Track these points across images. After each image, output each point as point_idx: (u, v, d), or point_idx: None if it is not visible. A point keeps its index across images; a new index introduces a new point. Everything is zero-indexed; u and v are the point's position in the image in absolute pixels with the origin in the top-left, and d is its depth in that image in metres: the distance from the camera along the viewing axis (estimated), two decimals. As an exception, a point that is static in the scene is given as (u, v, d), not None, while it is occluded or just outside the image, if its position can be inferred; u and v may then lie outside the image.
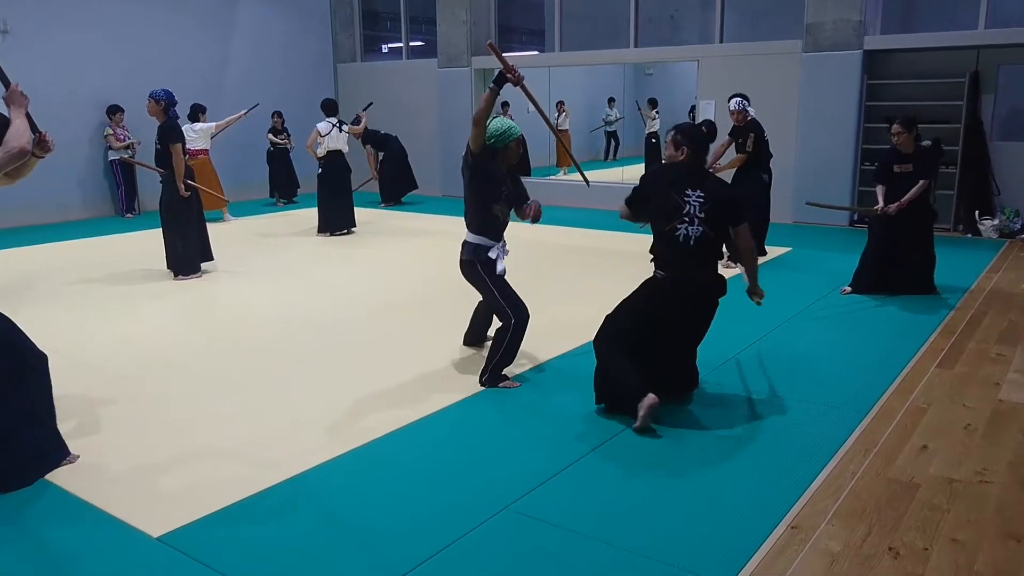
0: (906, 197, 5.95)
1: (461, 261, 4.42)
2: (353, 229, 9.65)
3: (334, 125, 9.42)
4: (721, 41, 10.63)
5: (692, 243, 3.69)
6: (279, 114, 12.21)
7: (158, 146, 7.00)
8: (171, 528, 2.93)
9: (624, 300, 4.02)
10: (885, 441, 3.64)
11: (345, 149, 9.57)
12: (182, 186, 6.95)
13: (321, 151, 9.42)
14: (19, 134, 3.13)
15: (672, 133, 3.89)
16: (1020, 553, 2.73)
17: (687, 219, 3.68)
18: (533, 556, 2.77)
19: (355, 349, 5.12)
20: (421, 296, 6.53)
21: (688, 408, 4.07)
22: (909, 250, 6.15)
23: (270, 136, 12.12)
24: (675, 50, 11.83)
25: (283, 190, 12.41)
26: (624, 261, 7.66)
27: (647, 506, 3.09)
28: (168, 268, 7.25)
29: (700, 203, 3.69)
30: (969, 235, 9.10)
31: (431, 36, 13.25)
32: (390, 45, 15.06)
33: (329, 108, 9.63)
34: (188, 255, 7.19)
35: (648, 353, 3.85)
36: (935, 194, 6.47)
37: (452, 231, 9.71)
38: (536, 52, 14.60)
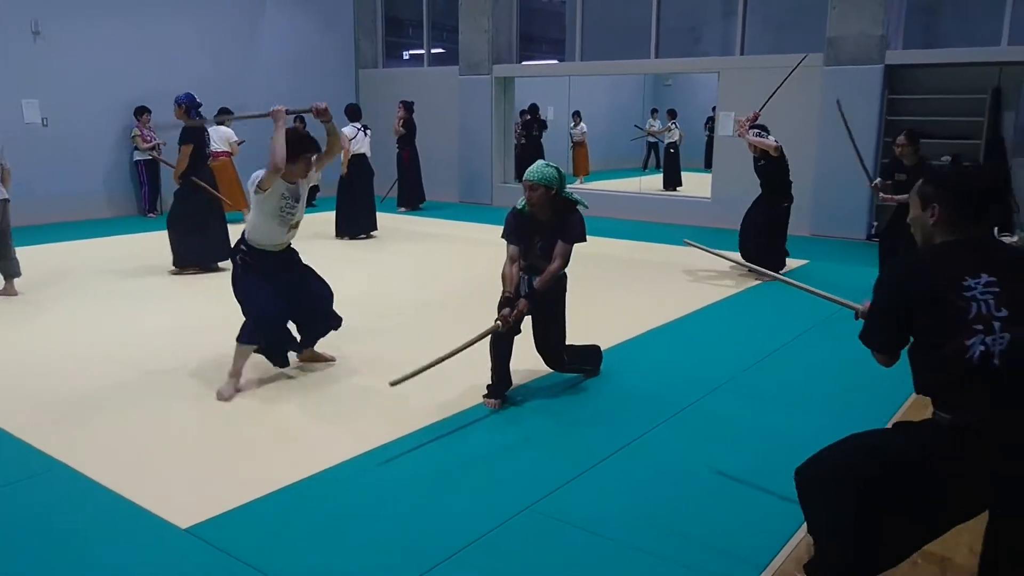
0: (898, 197, 6.19)
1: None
2: (374, 233, 9.75)
3: (359, 129, 9.58)
4: (742, 53, 10.66)
5: (997, 362, 2.03)
6: (301, 119, 12.32)
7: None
8: (200, 520, 3.00)
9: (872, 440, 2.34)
10: (904, 452, 3.65)
11: (369, 153, 9.72)
12: (176, 178, 7.37)
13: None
14: (274, 151, 4.08)
15: (919, 186, 2.29)
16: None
17: (980, 327, 2.04)
18: (553, 556, 2.81)
19: (377, 349, 5.18)
20: (442, 300, 6.59)
21: (708, 413, 4.10)
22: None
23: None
24: (696, 61, 11.88)
25: None
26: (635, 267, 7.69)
27: (668, 509, 3.13)
28: (175, 265, 7.49)
29: (994, 295, 2.07)
30: (988, 251, 9.06)
31: (452, 44, 13.37)
32: (411, 52, 15.19)
33: (353, 113, 9.80)
34: (191, 250, 7.44)
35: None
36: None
37: (472, 237, 9.83)
38: (556, 61, 14.70)
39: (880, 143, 9.55)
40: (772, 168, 7.27)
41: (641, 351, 5.22)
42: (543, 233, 4.13)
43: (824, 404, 4.28)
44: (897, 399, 4.34)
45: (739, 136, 7.51)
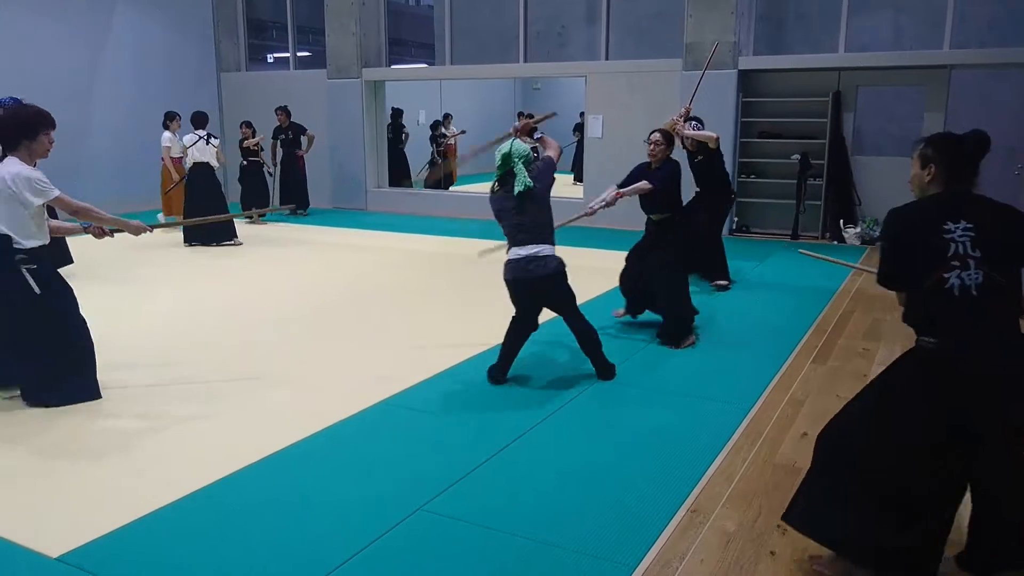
0: (626, 190, 5.58)
1: (548, 276, 4.48)
2: (236, 240, 9.42)
3: (201, 137, 9.42)
4: (607, 58, 11.03)
5: (975, 293, 2.43)
6: (248, 124, 11.51)
7: None
8: (72, 547, 2.83)
9: (867, 401, 2.77)
10: (770, 430, 3.92)
11: (214, 163, 9.53)
12: None
13: (188, 163, 9.51)
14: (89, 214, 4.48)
15: (920, 146, 2.68)
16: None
17: (956, 263, 2.44)
18: (448, 552, 2.84)
19: (250, 360, 5.02)
20: (319, 306, 6.46)
21: (585, 407, 4.24)
22: (657, 268, 5.46)
23: (248, 144, 11.32)
24: (563, 66, 12.18)
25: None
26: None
27: (556, 500, 3.21)
28: None
29: (970, 238, 2.47)
30: (835, 242, 9.80)
31: (319, 47, 13.09)
32: (276, 55, 14.76)
33: (198, 120, 9.57)
34: None
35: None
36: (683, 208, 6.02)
37: (348, 242, 9.67)
38: (425, 65, 14.70)
39: (737, 144, 10.13)
40: (712, 162, 6.82)
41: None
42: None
43: (685, 400, 4.51)
44: (744, 401, 4.63)
45: (676, 134, 6.39)
